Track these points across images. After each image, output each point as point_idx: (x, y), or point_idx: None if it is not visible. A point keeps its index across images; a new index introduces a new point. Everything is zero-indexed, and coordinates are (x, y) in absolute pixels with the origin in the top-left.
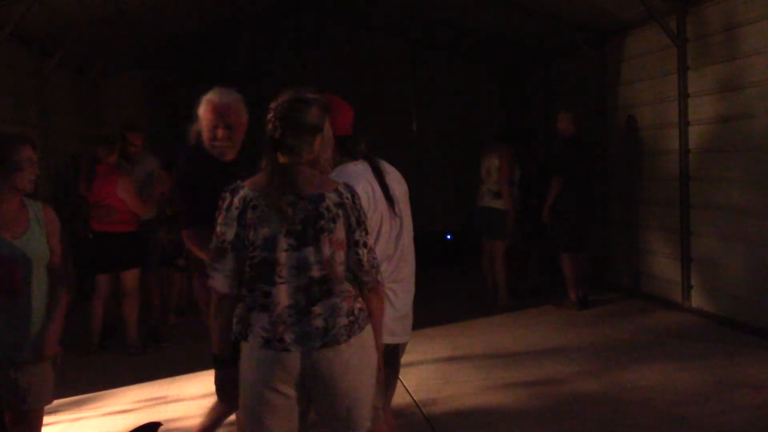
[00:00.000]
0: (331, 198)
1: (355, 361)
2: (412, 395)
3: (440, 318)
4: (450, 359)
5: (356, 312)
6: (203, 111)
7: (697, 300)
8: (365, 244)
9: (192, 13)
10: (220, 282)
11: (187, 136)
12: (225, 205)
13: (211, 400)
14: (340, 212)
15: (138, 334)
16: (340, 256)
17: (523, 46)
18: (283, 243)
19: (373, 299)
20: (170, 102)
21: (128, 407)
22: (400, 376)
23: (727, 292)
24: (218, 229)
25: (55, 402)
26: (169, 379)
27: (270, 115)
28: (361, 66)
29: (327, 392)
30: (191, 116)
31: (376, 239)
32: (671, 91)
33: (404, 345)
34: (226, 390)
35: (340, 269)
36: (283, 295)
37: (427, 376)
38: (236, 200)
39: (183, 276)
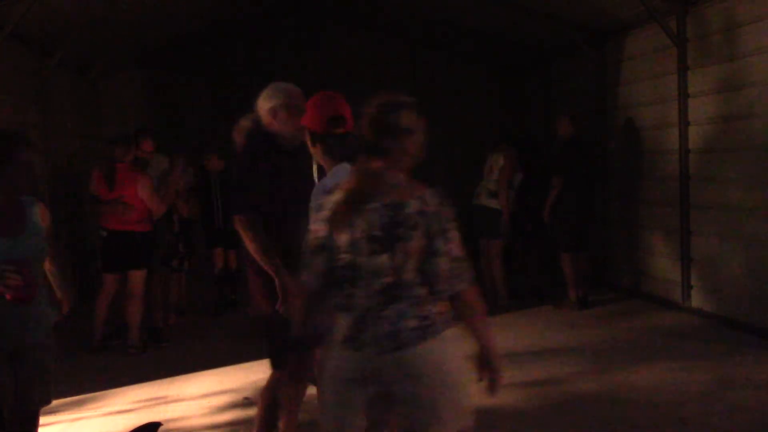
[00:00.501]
0: (413, 205)
1: (426, 365)
2: None
3: None
4: None
5: (431, 317)
6: (283, 101)
7: (697, 300)
8: (445, 253)
9: (192, 13)
10: (310, 279)
11: (236, 127)
12: (319, 204)
13: (211, 400)
14: (421, 220)
15: (140, 336)
16: (414, 263)
17: (523, 46)
18: (364, 247)
19: (457, 306)
20: (170, 102)
21: (128, 407)
22: None
23: (727, 292)
24: (312, 227)
25: (55, 402)
26: (169, 379)
27: (363, 120)
28: (361, 66)
29: (395, 395)
30: (191, 116)
31: None
32: (671, 91)
33: None
34: (299, 372)
35: (411, 276)
36: (362, 298)
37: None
38: (328, 201)
39: (181, 276)
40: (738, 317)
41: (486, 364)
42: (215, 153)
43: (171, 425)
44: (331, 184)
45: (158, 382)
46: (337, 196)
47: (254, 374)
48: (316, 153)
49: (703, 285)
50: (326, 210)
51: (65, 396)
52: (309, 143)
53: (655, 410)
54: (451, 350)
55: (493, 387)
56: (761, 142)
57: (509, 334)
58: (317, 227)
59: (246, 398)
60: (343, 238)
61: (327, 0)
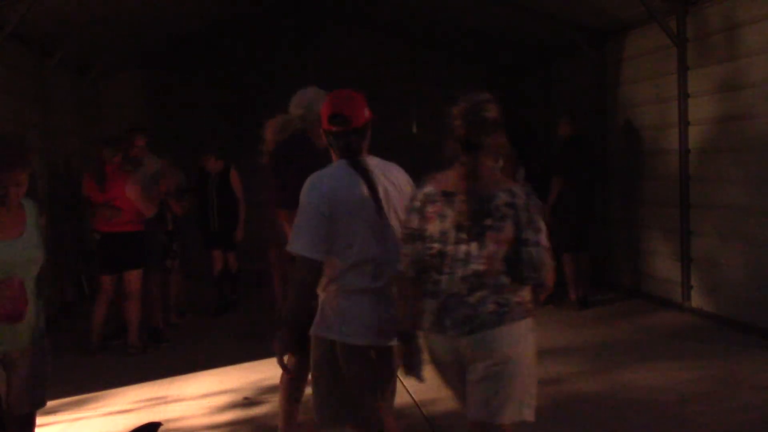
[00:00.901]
0: (502, 197)
1: (499, 348)
2: (412, 395)
3: None
4: None
5: (510, 304)
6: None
7: (697, 300)
8: (535, 243)
9: (192, 13)
10: (405, 265)
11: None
12: (412, 197)
13: (211, 400)
14: (510, 212)
15: (139, 336)
16: (502, 252)
17: (523, 46)
18: (454, 237)
19: (538, 294)
20: (170, 102)
21: (128, 407)
22: (399, 376)
23: (727, 292)
24: (404, 218)
25: (55, 402)
26: (169, 379)
27: (454, 118)
28: (361, 66)
29: (471, 374)
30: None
31: (351, 240)
32: (671, 91)
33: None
34: (412, 361)
35: (498, 264)
36: (447, 284)
37: (427, 376)
38: (420, 194)
39: (181, 276)
40: (738, 317)
41: None
42: (214, 153)
43: (171, 425)
44: (320, 178)
45: (158, 382)
46: (428, 189)
47: (254, 374)
48: (329, 148)
49: (703, 285)
50: (418, 201)
51: (65, 396)
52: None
53: (655, 410)
54: (524, 337)
55: None
56: (761, 142)
57: None
58: (409, 218)
59: (246, 398)
60: (434, 228)
61: (327, 0)
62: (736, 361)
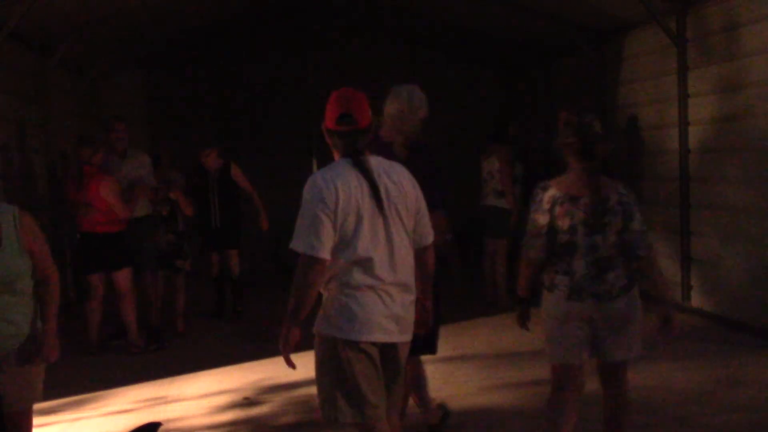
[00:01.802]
0: (614, 197)
1: (628, 308)
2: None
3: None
4: (450, 359)
5: (633, 276)
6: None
7: (697, 300)
8: (638, 229)
9: (192, 13)
10: (534, 251)
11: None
12: (538, 199)
13: (211, 400)
14: (620, 208)
15: (138, 334)
16: (618, 239)
17: (523, 46)
18: (581, 230)
19: (644, 266)
20: (170, 102)
21: (128, 407)
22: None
23: (727, 292)
24: (532, 216)
25: (55, 402)
26: (169, 379)
27: (566, 128)
28: (362, 66)
29: (611, 328)
30: (191, 116)
31: (353, 237)
32: (671, 91)
33: (405, 345)
34: (524, 318)
35: (617, 249)
36: (580, 266)
37: (428, 375)
38: (546, 196)
39: (181, 278)
40: (738, 317)
41: (664, 311)
42: (216, 149)
43: (171, 425)
44: (323, 176)
45: (158, 382)
46: (553, 192)
47: (254, 374)
48: (331, 147)
49: (703, 285)
50: (546, 203)
51: (65, 396)
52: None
53: (655, 410)
54: (638, 300)
55: (667, 329)
56: (761, 142)
57: (509, 334)
58: (538, 216)
59: (246, 398)
60: (563, 224)
61: (328, 0)
62: (736, 361)
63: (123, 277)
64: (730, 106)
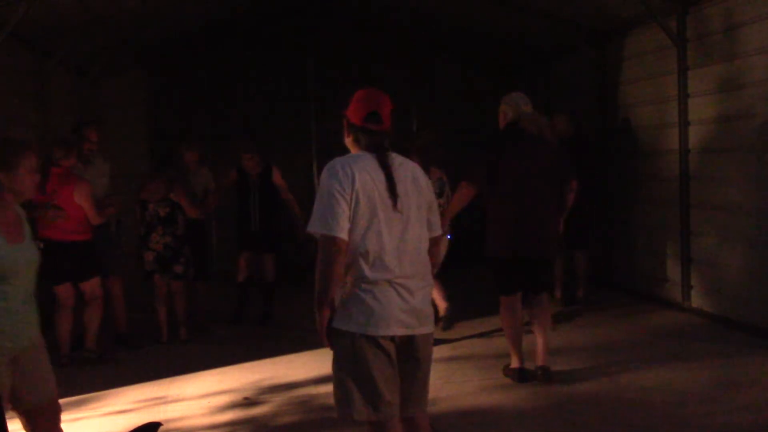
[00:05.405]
0: None
1: None
2: None
3: (440, 318)
4: (450, 359)
5: None
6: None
7: (697, 300)
8: None
9: (192, 13)
10: None
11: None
12: None
13: (211, 400)
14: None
15: (96, 342)
16: None
17: (523, 46)
18: None
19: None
20: (170, 102)
21: (128, 407)
22: None
23: (727, 292)
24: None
25: None
26: (169, 379)
27: None
28: (362, 66)
29: None
30: (191, 116)
31: (367, 229)
32: (671, 91)
33: (425, 337)
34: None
35: None
36: None
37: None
38: None
39: (189, 284)
40: (738, 317)
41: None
42: (256, 153)
43: (171, 425)
44: (342, 162)
45: (158, 382)
46: None
47: (254, 374)
48: (348, 141)
49: (703, 285)
50: None
51: (65, 396)
52: (345, 131)
53: (655, 410)
54: None
55: None
56: (761, 142)
57: None
58: None
59: (246, 398)
60: None
61: (327, 0)
62: (736, 361)
63: (91, 285)
64: (730, 106)
